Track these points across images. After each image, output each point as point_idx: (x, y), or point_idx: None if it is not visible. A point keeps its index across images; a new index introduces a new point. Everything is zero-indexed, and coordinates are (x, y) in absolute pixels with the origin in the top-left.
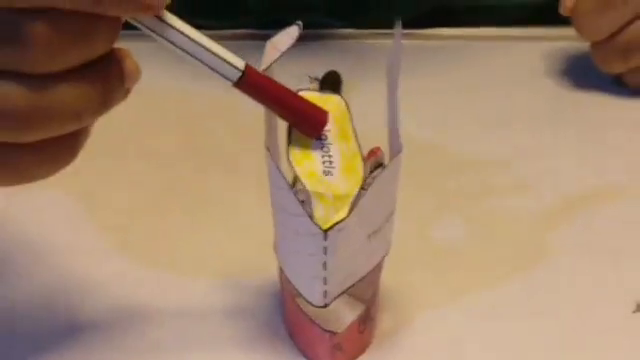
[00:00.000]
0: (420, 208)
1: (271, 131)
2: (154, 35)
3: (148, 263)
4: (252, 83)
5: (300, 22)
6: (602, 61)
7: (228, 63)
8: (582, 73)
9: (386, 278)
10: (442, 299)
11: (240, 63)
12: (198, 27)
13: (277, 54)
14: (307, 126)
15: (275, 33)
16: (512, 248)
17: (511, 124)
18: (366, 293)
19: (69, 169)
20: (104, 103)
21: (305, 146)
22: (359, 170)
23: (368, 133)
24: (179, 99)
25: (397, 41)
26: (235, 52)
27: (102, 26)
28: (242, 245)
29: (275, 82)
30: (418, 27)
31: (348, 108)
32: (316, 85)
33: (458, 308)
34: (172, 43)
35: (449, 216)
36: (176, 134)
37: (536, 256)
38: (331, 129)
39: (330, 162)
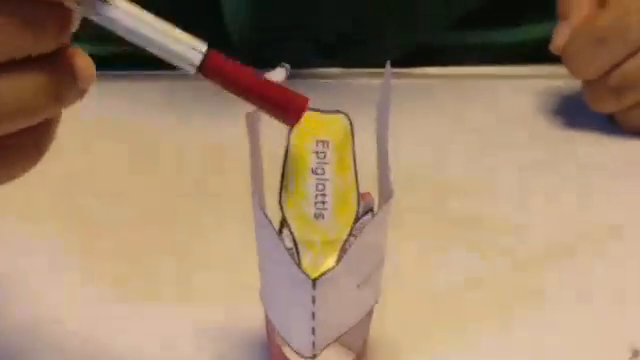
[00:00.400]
0: (411, 251)
1: (257, 173)
2: (100, 19)
3: (129, 308)
4: (217, 67)
5: (287, 65)
6: (594, 100)
7: (188, 46)
8: (575, 112)
9: (377, 324)
10: (437, 346)
11: (201, 46)
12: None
13: None
14: (284, 112)
15: (259, 72)
16: (510, 291)
17: (503, 165)
18: (356, 341)
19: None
20: (57, 98)
21: (301, 183)
22: (352, 206)
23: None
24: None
25: (387, 82)
26: (224, 92)
27: (50, 16)
28: (227, 290)
29: (245, 67)
30: (404, 66)
31: (352, 130)
32: None
33: (454, 356)
34: (122, 27)
35: (443, 259)
36: (158, 172)
37: (534, 300)
38: (330, 161)
39: (323, 202)
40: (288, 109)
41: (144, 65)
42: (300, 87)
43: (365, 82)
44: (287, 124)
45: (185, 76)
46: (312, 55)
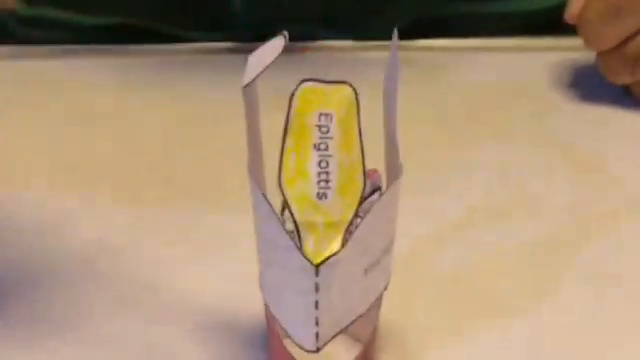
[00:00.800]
0: (420, 234)
1: (255, 149)
2: None
3: (128, 298)
4: None
5: (286, 32)
6: (609, 71)
7: None
8: (589, 85)
9: (386, 313)
10: (449, 336)
11: None
12: (186, 40)
13: (260, 68)
14: None
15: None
16: (522, 278)
17: (513, 141)
18: (364, 332)
19: None
20: None
21: (301, 160)
22: (358, 185)
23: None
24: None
25: (393, 53)
26: (223, 66)
27: None
28: (225, 278)
29: None
30: (407, 38)
31: (357, 101)
32: None
33: (467, 347)
34: None
35: (453, 242)
36: (147, 155)
37: (547, 286)
38: (333, 135)
39: (327, 181)
40: None
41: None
42: (302, 60)
43: (373, 55)
44: None
45: (178, 51)
46: (318, 28)
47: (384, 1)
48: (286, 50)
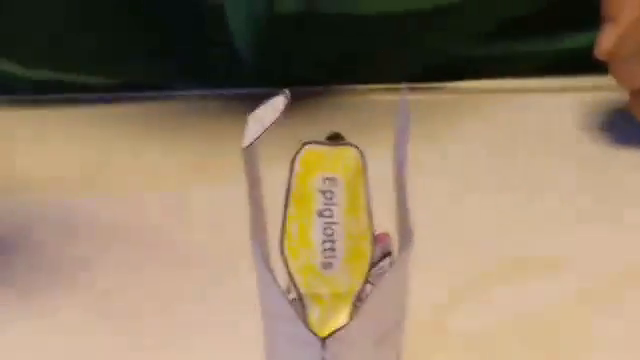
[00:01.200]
0: (433, 295)
1: (257, 214)
2: None
3: None
4: None
5: (287, 91)
6: None
7: None
8: (622, 128)
9: None
10: None
11: None
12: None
13: (261, 129)
14: None
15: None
16: (546, 342)
17: (542, 191)
18: None
19: None
20: None
21: (305, 228)
22: (366, 252)
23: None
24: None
25: (404, 108)
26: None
27: None
28: (225, 349)
29: None
30: (426, 80)
31: (364, 165)
32: None
33: None
34: None
35: (469, 304)
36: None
37: (576, 351)
38: (338, 201)
39: (332, 250)
40: None
41: None
42: (306, 108)
43: (386, 99)
44: None
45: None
46: (320, 74)
47: (402, 45)
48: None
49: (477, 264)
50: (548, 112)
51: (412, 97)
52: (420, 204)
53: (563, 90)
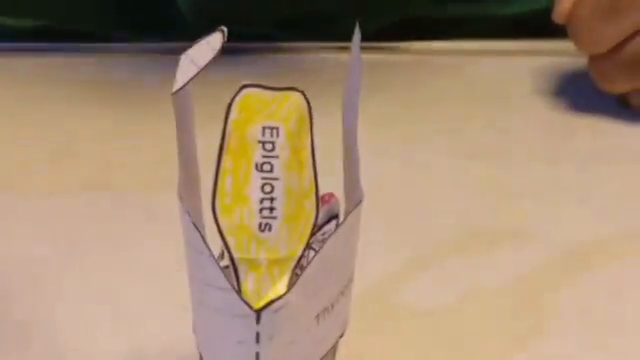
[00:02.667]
0: (384, 265)
1: (187, 168)
2: None
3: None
4: None
5: (224, 28)
6: (603, 78)
7: None
8: (580, 93)
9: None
10: None
11: None
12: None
13: (194, 70)
14: None
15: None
16: (504, 317)
17: (497, 157)
18: None
19: None
20: None
21: (241, 184)
22: (309, 213)
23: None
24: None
25: (355, 57)
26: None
27: None
28: (154, 319)
29: None
30: (380, 40)
31: (310, 112)
32: None
33: None
34: None
35: (423, 275)
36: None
37: (533, 327)
38: (280, 153)
39: (271, 209)
40: None
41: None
42: (250, 62)
43: (333, 57)
44: None
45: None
46: (275, 30)
47: (359, 2)
48: (233, 50)
49: (433, 233)
50: (505, 76)
51: (367, 56)
52: (371, 165)
53: (521, 54)
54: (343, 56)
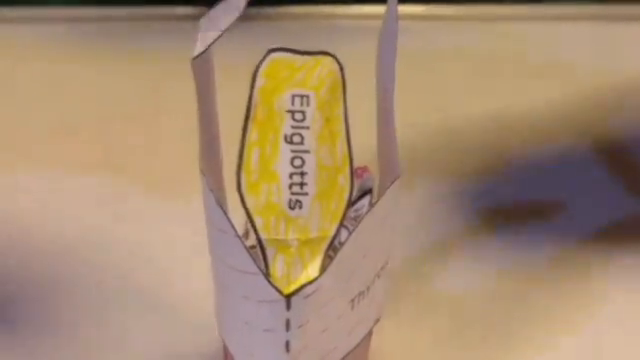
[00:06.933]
0: (419, 249)
1: (209, 140)
2: None
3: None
4: None
5: None
6: None
7: None
8: None
9: (377, 346)
10: None
11: None
12: None
13: (216, 34)
14: None
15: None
16: (550, 300)
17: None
18: None
19: None
20: None
21: (268, 157)
22: (343, 189)
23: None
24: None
25: (391, 15)
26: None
27: None
28: (173, 304)
29: None
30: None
31: (343, 78)
32: None
33: None
34: None
35: (460, 259)
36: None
37: (582, 310)
38: (311, 125)
39: (301, 184)
40: None
41: None
42: (274, 27)
43: (362, 24)
44: None
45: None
46: None
47: None
48: (254, 16)
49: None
50: None
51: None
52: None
53: None
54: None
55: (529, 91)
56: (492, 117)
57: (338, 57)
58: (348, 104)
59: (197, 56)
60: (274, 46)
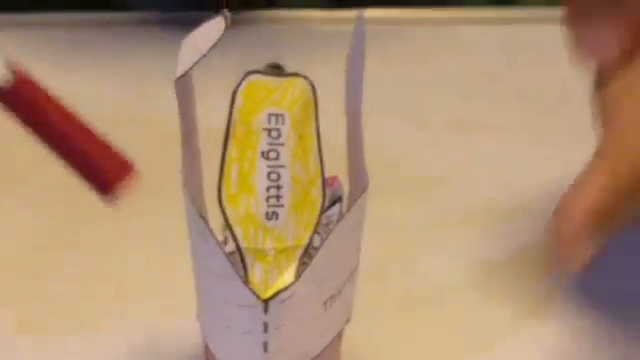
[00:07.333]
0: (392, 243)
1: (190, 155)
2: None
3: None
4: (19, 95)
5: (227, 12)
6: None
7: None
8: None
9: (348, 346)
10: None
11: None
12: None
13: (197, 55)
14: (94, 179)
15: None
16: (515, 292)
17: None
18: None
19: None
20: None
21: (246, 172)
22: (316, 201)
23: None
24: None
25: (359, 31)
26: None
27: None
28: (157, 305)
29: (56, 102)
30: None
31: (315, 98)
32: None
33: None
34: None
35: (432, 251)
36: None
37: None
38: (285, 140)
39: (277, 197)
40: (101, 177)
41: None
42: (250, 36)
43: (332, 29)
44: (101, 193)
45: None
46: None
47: None
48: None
49: (435, 209)
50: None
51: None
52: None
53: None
54: (330, 27)
55: None
56: None
57: (310, 71)
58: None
59: (179, 77)
60: (251, 69)
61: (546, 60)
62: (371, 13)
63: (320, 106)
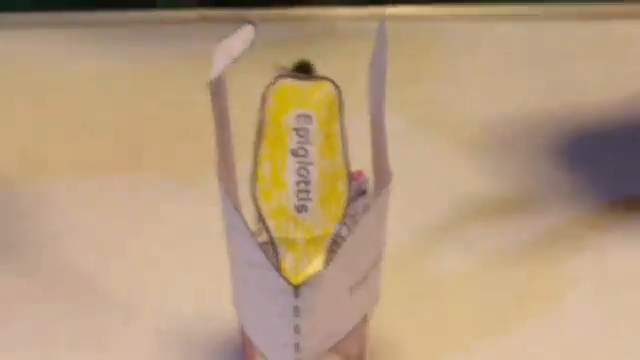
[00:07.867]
0: (413, 236)
1: (225, 152)
2: None
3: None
4: None
5: (254, 21)
6: None
7: None
8: None
9: (377, 327)
10: (444, 352)
11: None
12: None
13: (228, 60)
14: None
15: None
16: (526, 282)
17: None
18: (351, 349)
19: None
20: None
21: (278, 169)
22: (342, 194)
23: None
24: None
25: (381, 30)
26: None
27: None
28: (195, 291)
29: None
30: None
31: (340, 100)
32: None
33: None
34: None
35: (450, 245)
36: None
37: (556, 291)
38: (313, 139)
39: (307, 191)
40: None
41: None
42: (274, 34)
43: (355, 26)
44: None
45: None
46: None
47: None
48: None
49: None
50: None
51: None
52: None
53: None
54: (352, 24)
55: None
56: None
57: (335, 73)
58: (347, 116)
59: (213, 80)
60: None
61: None
62: (400, 11)
63: (345, 103)
